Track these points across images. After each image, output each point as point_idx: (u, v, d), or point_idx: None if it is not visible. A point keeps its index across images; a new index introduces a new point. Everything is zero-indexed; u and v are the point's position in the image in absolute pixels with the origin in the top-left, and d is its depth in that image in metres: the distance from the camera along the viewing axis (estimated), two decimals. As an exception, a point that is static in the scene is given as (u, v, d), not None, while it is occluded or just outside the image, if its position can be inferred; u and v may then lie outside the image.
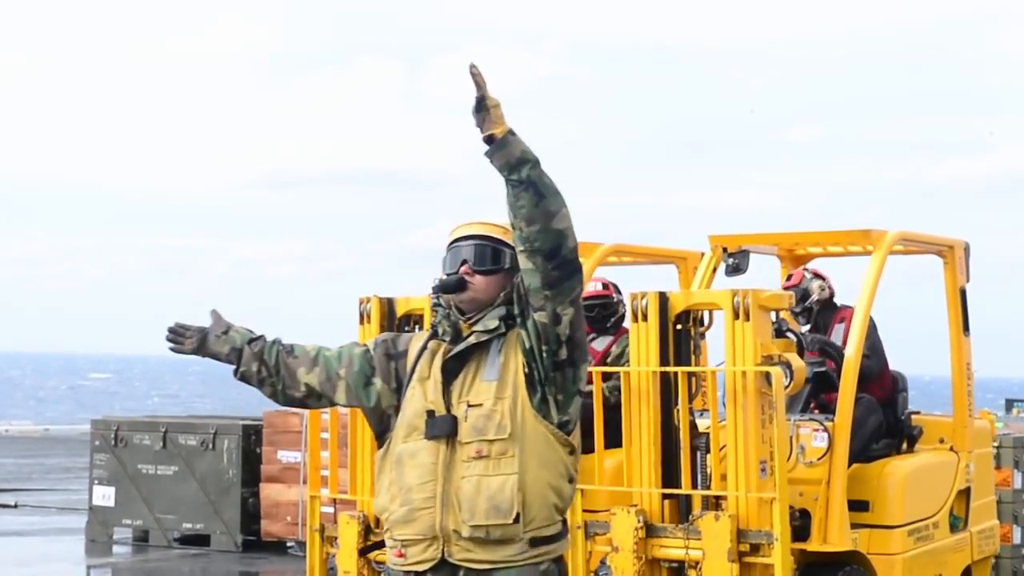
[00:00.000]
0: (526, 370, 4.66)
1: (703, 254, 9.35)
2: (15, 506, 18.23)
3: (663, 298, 8.19)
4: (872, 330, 8.97)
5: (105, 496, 15.27)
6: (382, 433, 4.84)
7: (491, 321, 4.71)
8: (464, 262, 4.76)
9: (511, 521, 4.56)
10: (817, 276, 9.20)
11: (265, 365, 4.89)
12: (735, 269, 8.88)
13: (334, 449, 9.16)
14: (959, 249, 9.33)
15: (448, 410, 4.67)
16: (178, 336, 4.89)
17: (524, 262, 4.57)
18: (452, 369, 4.71)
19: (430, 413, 4.67)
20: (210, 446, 14.82)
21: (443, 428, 4.64)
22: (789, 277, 9.34)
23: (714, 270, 9.06)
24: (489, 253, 4.77)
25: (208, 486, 14.76)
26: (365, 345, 4.94)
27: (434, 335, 4.81)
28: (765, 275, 9.85)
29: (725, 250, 8.93)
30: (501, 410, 4.60)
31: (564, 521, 4.73)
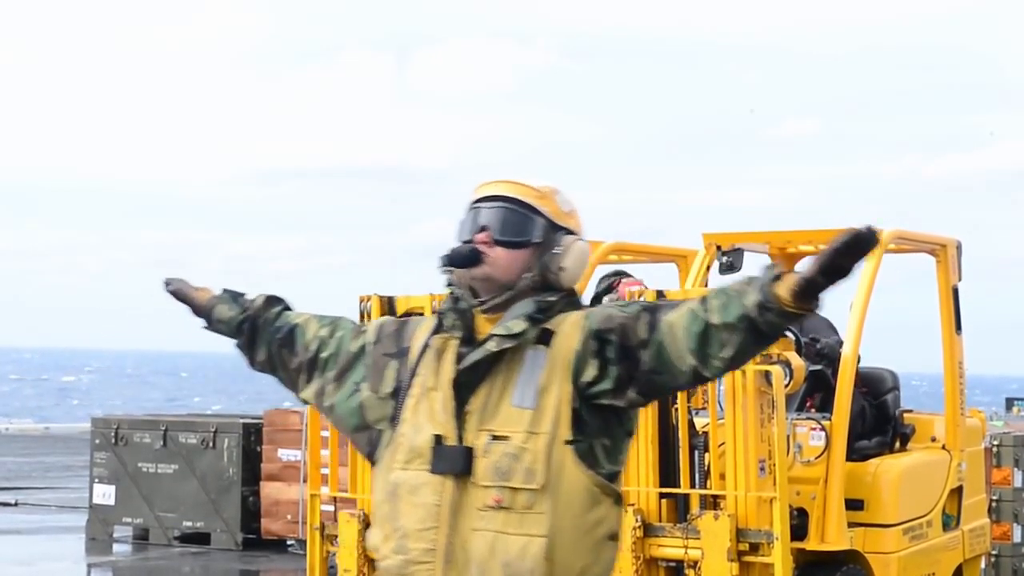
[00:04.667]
0: (575, 404, 3.64)
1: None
2: (15, 504, 18.25)
3: (661, 296, 8.21)
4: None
5: (105, 494, 15.31)
6: (371, 452, 3.86)
7: (516, 323, 3.68)
8: (483, 228, 3.76)
9: None
10: None
11: (269, 362, 4.06)
12: (729, 267, 8.88)
13: (334, 447, 9.19)
14: (951, 248, 9.35)
15: (461, 438, 3.66)
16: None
17: (680, 372, 3.59)
18: (467, 382, 3.69)
19: (438, 439, 3.68)
20: (210, 444, 14.85)
21: (453, 463, 3.64)
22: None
23: (708, 268, 9.07)
24: (516, 220, 3.77)
25: (208, 484, 14.79)
26: (363, 340, 3.94)
27: (440, 327, 3.80)
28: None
29: (719, 248, 8.95)
30: (534, 450, 3.59)
31: None
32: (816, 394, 8.92)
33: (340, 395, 3.90)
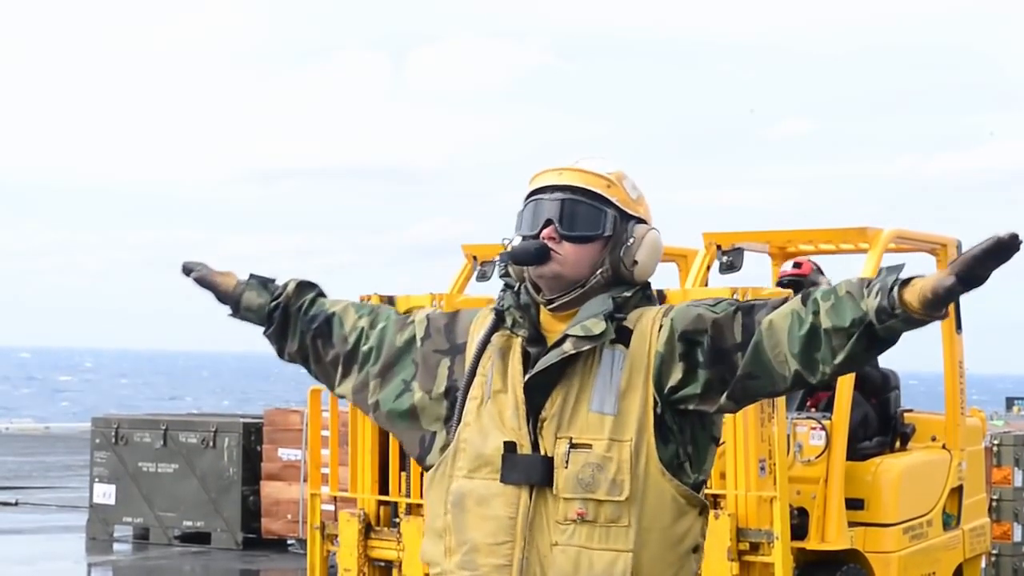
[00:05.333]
0: (658, 410, 3.39)
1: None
2: (16, 504, 18.24)
3: (661, 296, 8.20)
4: None
5: (106, 494, 15.30)
6: (423, 456, 3.60)
7: (595, 323, 3.40)
8: (548, 222, 3.47)
9: None
10: (820, 271, 9.08)
11: (301, 352, 3.76)
12: (729, 267, 8.86)
13: (334, 447, 9.19)
14: (951, 247, 9.33)
15: (536, 446, 3.39)
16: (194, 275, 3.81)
17: (780, 377, 3.30)
18: (538, 384, 3.42)
19: (509, 447, 3.40)
20: (211, 444, 14.85)
21: (530, 473, 3.38)
22: (798, 264, 9.15)
23: (708, 268, 9.06)
24: (584, 213, 3.47)
25: (209, 484, 14.79)
26: (412, 333, 3.64)
27: (499, 321, 3.50)
28: (761, 273, 9.83)
29: (719, 247, 8.93)
30: (618, 459, 3.35)
31: None
32: (817, 394, 8.92)
33: (386, 392, 3.62)
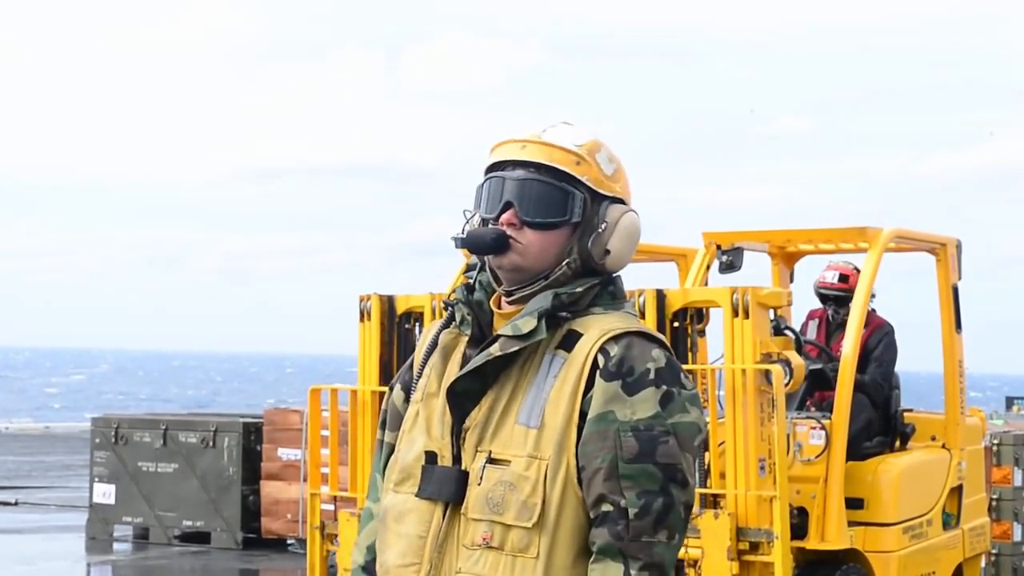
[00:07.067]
0: (581, 425, 2.94)
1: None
2: (15, 504, 18.24)
3: (660, 295, 8.21)
4: (891, 338, 9.03)
5: (105, 494, 15.29)
6: None
7: (526, 321, 2.98)
8: (508, 205, 3.01)
9: None
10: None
11: None
12: (729, 266, 8.86)
13: (334, 447, 9.20)
14: (951, 247, 9.34)
15: (457, 458, 3.01)
16: None
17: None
18: (469, 390, 3.01)
19: (430, 457, 3.04)
20: (210, 444, 14.85)
21: (443, 488, 3.00)
22: (844, 277, 9.15)
23: (708, 267, 9.06)
24: (550, 195, 3.00)
25: (208, 484, 14.79)
26: (382, 429, 3.26)
27: (450, 320, 3.11)
28: (761, 272, 9.84)
29: (719, 247, 8.94)
30: (534, 478, 2.92)
31: None
32: (817, 392, 8.94)
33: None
